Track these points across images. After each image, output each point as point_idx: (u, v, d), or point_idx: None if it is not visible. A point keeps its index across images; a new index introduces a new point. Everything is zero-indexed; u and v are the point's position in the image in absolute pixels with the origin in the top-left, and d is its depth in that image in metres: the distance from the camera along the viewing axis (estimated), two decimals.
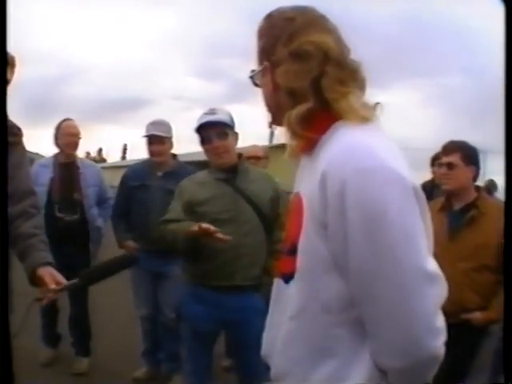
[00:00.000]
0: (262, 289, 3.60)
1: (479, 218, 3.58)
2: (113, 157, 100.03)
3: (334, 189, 1.39)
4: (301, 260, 1.52)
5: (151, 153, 4.89)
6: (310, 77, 1.52)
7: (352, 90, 1.53)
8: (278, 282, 1.71)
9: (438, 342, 1.43)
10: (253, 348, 3.63)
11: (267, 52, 1.62)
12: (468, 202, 3.66)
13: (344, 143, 1.45)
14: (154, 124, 4.89)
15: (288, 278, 1.59)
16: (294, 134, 1.56)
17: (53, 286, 2.40)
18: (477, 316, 3.53)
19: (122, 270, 3.10)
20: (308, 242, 1.49)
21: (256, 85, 1.71)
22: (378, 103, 1.58)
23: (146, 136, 4.86)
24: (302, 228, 1.51)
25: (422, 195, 1.46)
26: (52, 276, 2.44)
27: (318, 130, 1.53)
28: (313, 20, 1.59)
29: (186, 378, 3.89)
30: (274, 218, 3.69)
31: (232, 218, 3.54)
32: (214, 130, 3.57)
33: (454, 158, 3.62)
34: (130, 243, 4.98)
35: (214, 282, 3.54)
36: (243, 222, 3.56)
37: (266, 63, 1.62)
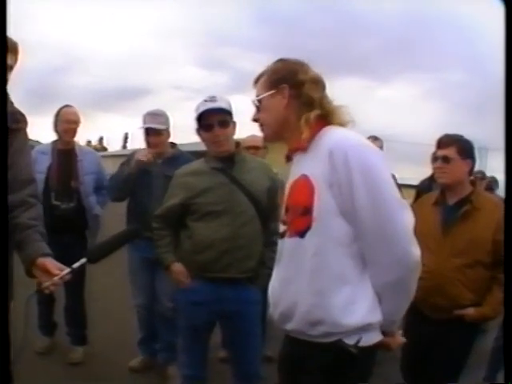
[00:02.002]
0: (258, 280, 3.61)
1: (473, 213, 3.52)
2: (114, 145, 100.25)
3: (340, 157, 2.11)
4: (317, 212, 2.15)
5: (148, 144, 4.86)
6: (321, 94, 2.31)
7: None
8: (291, 242, 2.28)
9: (418, 251, 2.12)
10: (247, 340, 3.67)
11: (285, 78, 2.32)
12: (463, 196, 3.60)
13: (339, 134, 2.23)
14: (151, 115, 4.85)
15: (304, 232, 2.20)
16: (309, 127, 2.24)
17: (57, 272, 2.40)
18: (470, 312, 3.51)
19: (126, 243, 3.10)
20: (322, 198, 2.15)
21: (257, 108, 2.41)
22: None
23: (143, 128, 4.84)
24: (314, 192, 2.16)
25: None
26: (54, 264, 2.43)
27: (316, 128, 2.26)
28: (309, 66, 2.37)
29: (181, 369, 3.90)
30: (270, 208, 3.66)
31: (228, 209, 3.53)
32: (215, 118, 3.54)
33: (450, 152, 3.56)
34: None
35: (210, 274, 3.54)
36: (239, 213, 3.54)
37: (284, 85, 2.31)
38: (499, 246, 3.41)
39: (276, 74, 2.37)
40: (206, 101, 3.57)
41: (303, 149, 2.28)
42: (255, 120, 2.45)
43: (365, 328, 2.14)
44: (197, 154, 4.30)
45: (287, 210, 2.33)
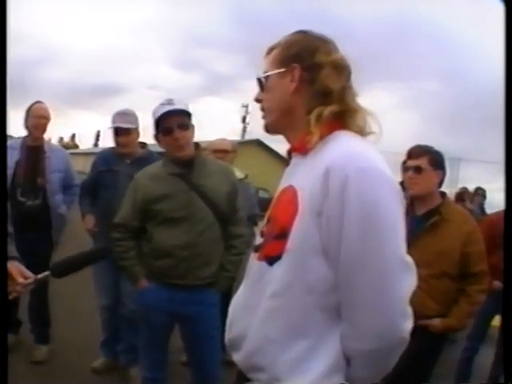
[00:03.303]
0: (217, 285, 3.61)
1: (442, 225, 3.52)
2: (86, 143, 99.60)
3: (337, 182, 1.59)
4: (292, 242, 1.68)
5: (117, 143, 4.82)
6: (343, 84, 1.79)
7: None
8: (258, 266, 1.83)
9: (408, 326, 1.64)
10: (204, 343, 3.64)
11: (299, 56, 1.82)
12: (432, 207, 3.60)
13: (346, 146, 1.69)
14: (120, 114, 4.80)
15: (273, 259, 1.74)
16: (320, 126, 1.74)
17: (21, 280, 2.34)
18: (436, 323, 3.51)
19: (95, 262, 3.05)
20: (303, 227, 1.67)
21: (261, 88, 1.92)
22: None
23: (112, 127, 4.78)
24: (296, 215, 1.69)
25: (402, 196, 1.72)
26: (19, 270, 2.38)
27: (328, 129, 1.76)
28: (336, 46, 1.87)
29: (141, 371, 3.88)
30: (230, 213, 3.65)
31: (187, 216, 3.49)
32: (174, 120, 3.45)
33: (422, 162, 3.56)
34: (90, 218, 4.95)
35: (168, 279, 3.52)
36: (198, 219, 3.51)
37: (295, 65, 1.81)
38: (467, 258, 3.44)
39: (290, 48, 1.87)
40: (163, 104, 3.49)
41: (303, 151, 1.82)
42: (257, 100, 1.96)
43: None
44: None
45: (268, 221, 1.88)
